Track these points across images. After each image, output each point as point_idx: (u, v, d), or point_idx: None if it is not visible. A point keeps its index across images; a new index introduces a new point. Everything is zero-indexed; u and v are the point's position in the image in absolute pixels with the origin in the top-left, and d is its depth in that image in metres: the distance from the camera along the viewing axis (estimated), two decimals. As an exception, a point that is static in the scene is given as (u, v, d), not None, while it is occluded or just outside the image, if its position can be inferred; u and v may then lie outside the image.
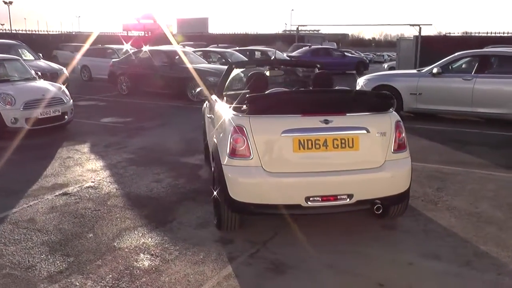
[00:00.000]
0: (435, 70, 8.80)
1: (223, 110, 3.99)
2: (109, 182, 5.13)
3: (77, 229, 3.84)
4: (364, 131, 3.45)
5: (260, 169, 3.38)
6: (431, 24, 52.46)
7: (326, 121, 3.40)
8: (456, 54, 9.04)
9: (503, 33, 25.65)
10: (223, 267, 3.19)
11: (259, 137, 3.37)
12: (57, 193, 4.73)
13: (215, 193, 3.69)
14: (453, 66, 9.05)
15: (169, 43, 19.02)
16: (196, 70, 12.05)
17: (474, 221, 4.00)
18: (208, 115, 4.96)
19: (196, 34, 35.11)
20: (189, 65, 12.42)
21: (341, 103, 3.59)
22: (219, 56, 16.39)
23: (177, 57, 12.69)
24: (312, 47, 25.22)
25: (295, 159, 3.38)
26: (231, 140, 3.40)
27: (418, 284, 2.99)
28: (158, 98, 12.08)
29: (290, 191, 3.37)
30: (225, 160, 3.45)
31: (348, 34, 42.24)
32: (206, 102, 5.73)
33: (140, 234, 3.74)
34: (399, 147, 3.61)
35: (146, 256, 3.37)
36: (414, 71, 9.80)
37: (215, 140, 3.77)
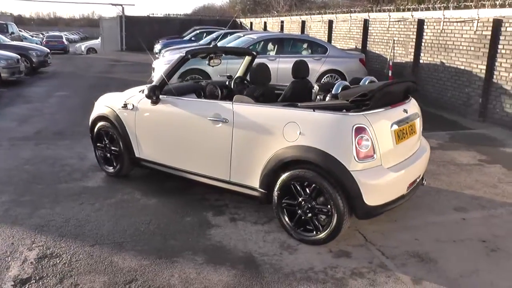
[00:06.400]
0: (242, 53, 9.49)
1: (282, 111, 3.39)
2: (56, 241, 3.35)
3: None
4: (419, 116, 3.79)
5: (383, 168, 3.19)
6: (134, 5, 52.94)
7: (405, 111, 3.53)
8: (255, 37, 10.01)
9: (203, 16, 29.10)
10: (390, 275, 2.95)
11: (378, 134, 3.14)
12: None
13: (329, 205, 3.16)
14: (253, 48, 9.97)
15: None
16: None
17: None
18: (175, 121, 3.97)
19: None
20: None
21: (405, 91, 3.74)
22: None
23: None
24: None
25: (397, 151, 3.37)
26: (355, 142, 3.05)
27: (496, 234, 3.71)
28: None
29: (403, 182, 3.36)
30: (352, 165, 3.05)
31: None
32: (129, 102, 4.37)
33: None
34: (422, 127, 4.14)
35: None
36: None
37: (308, 144, 3.16)
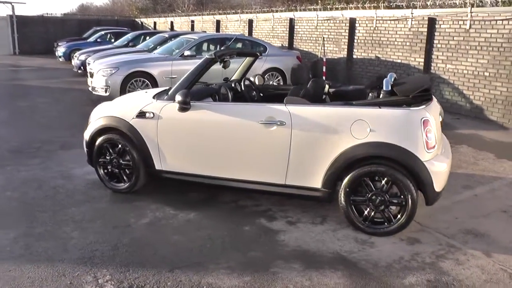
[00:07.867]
0: (187, 53, 9.21)
1: (348, 109, 3.45)
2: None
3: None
4: (439, 107, 4.16)
5: (441, 156, 3.47)
6: (25, 3, 46.86)
7: (438, 102, 3.85)
8: (197, 37, 9.76)
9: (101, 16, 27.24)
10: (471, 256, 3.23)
11: (435, 125, 3.41)
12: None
13: (402, 196, 3.31)
14: (195, 49, 9.73)
15: None
16: None
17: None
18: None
19: None
20: None
21: None
22: None
23: None
24: None
25: (440, 140, 3.67)
26: (425, 134, 3.26)
27: (509, 204, 4.24)
28: None
29: (450, 168, 3.68)
30: (423, 156, 3.26)
31: None
32: (147, 111, 4.00)
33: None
34: None
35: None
36: (166, 55, 9.70)
37: (380, 140, 3.28)
